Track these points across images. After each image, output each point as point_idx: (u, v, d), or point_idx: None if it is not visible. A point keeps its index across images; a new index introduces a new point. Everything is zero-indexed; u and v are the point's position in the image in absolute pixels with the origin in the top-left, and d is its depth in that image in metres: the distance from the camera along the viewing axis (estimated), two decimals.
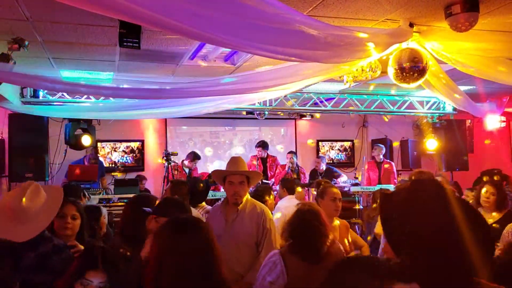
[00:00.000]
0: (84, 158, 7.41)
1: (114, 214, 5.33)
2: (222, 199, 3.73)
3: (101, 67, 5.52)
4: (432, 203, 1.30)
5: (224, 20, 2.66)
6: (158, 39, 4.40)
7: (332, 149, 9.96)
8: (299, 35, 2.90)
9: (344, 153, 10.01)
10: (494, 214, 4.03)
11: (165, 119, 8.72)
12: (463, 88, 6.02)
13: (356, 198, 7.19)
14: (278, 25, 2.77)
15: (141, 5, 2.37)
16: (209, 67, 5.49)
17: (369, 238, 5.05)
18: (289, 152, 8.25)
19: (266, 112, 8.18)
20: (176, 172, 7.15)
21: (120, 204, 5.89)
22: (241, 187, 3.29)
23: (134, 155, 8.65)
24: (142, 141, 8.72)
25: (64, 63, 5.32)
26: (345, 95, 7.59)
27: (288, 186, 5.07)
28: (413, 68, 3.84)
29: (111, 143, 8.46)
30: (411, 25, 3.85)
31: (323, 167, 8.22)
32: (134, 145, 8.65)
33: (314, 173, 8.30)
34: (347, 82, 4.68)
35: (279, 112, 8.52)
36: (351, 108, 7.80)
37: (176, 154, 6.99)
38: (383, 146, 8.56)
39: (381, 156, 8.40)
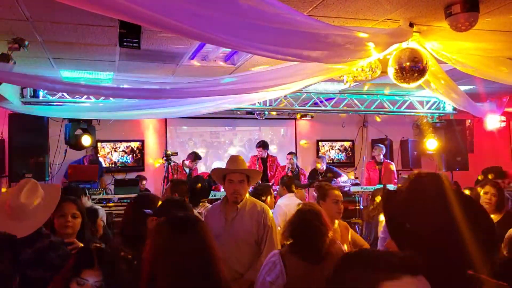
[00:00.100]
0: (83, 158, 7.42)
1: (114, 214, 5.33)
2: (222, 198, 3.73)
3: (101, 67, 5.51)
4: (431, 203, 1.30)
5: (224, 20, 2.66)
6: (158, 39, 4.39)
7: (332, 149, 9.96)
8: (299, 35, 2.90)
9: (344, 153, 10.00)
10: (493, 216, 4.02)
11: (165, 119, 8.72)
12: (463, 88, 6.02)
13: (356, 198, 7.20)
14: (278, 25, 2.77)
15: (141, 5, 2.37)
16: (209, 67, 5.49)
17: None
18: (289, 153, 8.24)
19: (266, 112, 8.18)
20: (176, 172, 7.15)
21: (120, 204, 5.89)
22: (241, 185, 3.27)
23: (134, 155, 8.64)
24: (142, 141, 8.72)
25: (64, 63, 5.31)
26: (345, 95, 7.60)
27: (288, 184, 5.09)
28: (413, 68, 3.84)
29: (111, 143, 8.45)
30: (411, 25, 3.85)
31: (323, 167, 8.22)
32: (134, 145, 8.64)
33: (314, 173, 8.30)
34: (347, 82, 4.68)
35: (273, 112, 8.48)
36: (350, 108, 7.80)
37: (176, 154, 6.98)
38: (383, 146, 8.57)
39: (381, 156, 8.41)
